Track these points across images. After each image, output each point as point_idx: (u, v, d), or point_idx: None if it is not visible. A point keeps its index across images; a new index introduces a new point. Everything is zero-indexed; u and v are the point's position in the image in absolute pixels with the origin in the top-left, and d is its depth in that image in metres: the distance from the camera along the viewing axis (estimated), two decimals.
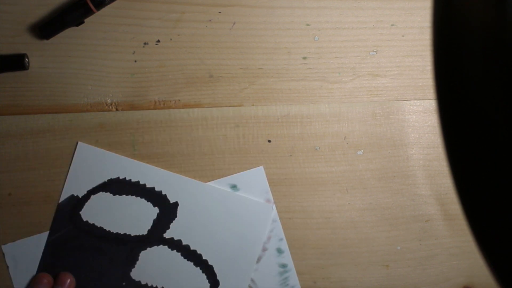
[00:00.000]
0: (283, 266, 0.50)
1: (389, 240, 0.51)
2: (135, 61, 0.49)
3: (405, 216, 0.50)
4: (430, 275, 0.51)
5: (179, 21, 0.49)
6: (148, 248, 0.49)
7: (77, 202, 0.49)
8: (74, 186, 0.49)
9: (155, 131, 0.49)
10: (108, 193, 0.49)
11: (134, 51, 0.49)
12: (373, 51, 0.50)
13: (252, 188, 0.49)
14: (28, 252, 0.48)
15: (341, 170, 0.50)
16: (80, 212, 0.49)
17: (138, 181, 0.49)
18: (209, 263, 0.49)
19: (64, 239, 0.49)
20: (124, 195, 0.49)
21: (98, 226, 0.49)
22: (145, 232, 0.49)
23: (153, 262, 0.49)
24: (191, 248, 0.49)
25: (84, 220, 0.49)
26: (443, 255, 0.51)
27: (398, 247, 0.50)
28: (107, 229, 0.49)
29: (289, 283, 0.50)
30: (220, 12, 0.49)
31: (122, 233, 0.49)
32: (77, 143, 0.48)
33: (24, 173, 0.48)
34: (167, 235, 0.49)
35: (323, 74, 0.50)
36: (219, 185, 0.50)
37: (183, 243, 0.49)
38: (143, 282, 0.49)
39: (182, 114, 0.49)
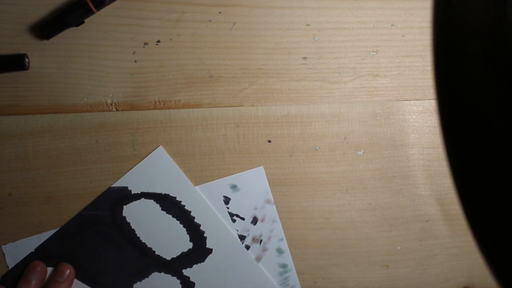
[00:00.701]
0: (283, 266, 0.50)
1: (389, 240, 0.51)
2: (135, 61, 0.49)
3: (405, 216, 0.50)
4: (430, 275, 0.51)
5: (179, 21, 0.49)
6: (163, 273, 0.49)
7: (126, 196, 0.49)
8: (133, 181, 0.49)
9: (155, 131, 0.49)
10: (159, 205, 0.49)
11: (134, 51, 0.49)
12: (373, 51, 0.50)
13: (252, 188, 0.50)
14: (28, 252, 0.48)
15: (341, 170, 0.50)
16: (124, 206, 0.49)
17: (190, 212, 0.49)
18: None
19: (94, 220, 0.48)
20: (171, 216, 0.49)
21: (132, 227, 0.49)
22: (168, 258, 0.49)
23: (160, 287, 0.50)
24: None
25: (123, 215, 0.49)
26: (443, 255, 0.51)
27: (398, 247, 0.50)
28: (138, 235, 0.49)
29: (289, 283, 0.50)
30: (220, 12, 0.49)
31: (148, 246, 0.49)
32: (158, 146, 0.49)
33: (24, 173, 0.48)
34: (186, 272, 0.50)
35: (323, 74, 0.50)
36: (219, 185, 0.50)
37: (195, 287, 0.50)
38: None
39: (182, 114, 0.49)
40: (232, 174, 0.50)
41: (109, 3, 0.47)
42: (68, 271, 0.48)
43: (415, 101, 0.50)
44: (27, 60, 0.47)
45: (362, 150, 0.50)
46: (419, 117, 0.50)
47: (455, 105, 0.19)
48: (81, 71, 0.48)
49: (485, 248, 0.20)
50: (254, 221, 0.50)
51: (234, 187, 0.50)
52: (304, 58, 0.49)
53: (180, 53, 0.49)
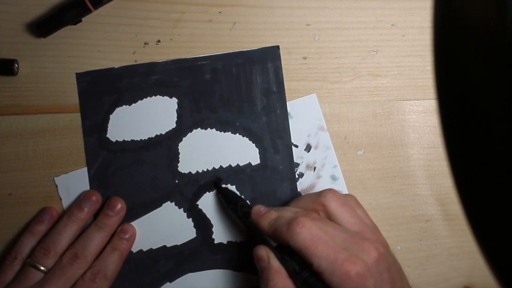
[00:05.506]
0: None
1: (389, 240, 0.50)
2: (135, 61, 0.49)
3: (405, 216, 0.50)
4: (430, 275, 0.51)
5: (179, 21, 0.49)
6: (184, 138, 0.48)
7: (99, 128, 0.48)
8: (90, 115, 0.48)
9: None
10: (124, 105, 0.48)
11: (134, 51, 0.49)
12: (373, 51, 0.50)
13: (305, 115, 0.49)
14: (80, 183, 0.48)
15: (341, 170, 0.50)
16: (107, 136, 0.48)
17: (148, 78, 0.48)
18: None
19: (103, 167, 0.48)
20: (139, 101, 0.48)
21: (129, 140, 0.48)
22: (174, 125, 0.49)
23: (194, 149, 0.49)
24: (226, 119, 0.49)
25: (114, 140, 0.48)
26: (443, 255, 0.51)
27: (398, 247, 0.50)
28: (139, 139, 0.48)
29: None
30: (220, 12, 0.49)
31: (153, 136, 0.48)
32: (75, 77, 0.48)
33: (24, 173, 0.48)
34: (196, 117, 0.49)
35: (323, 74, 0.50)
36: None
37: (217, 116, 0.49)
38: (193, 172, 0.49)
39: None
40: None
41: (106, 2, 0.47)
42: (120, 205, 0.47)
43: (415, 101, 0.50)
44: (16, 65, 0.47)
45: (362, 150, 0.50)
46: (419, 117, 0.50)
47: (455, 105, 0.19)
48: (81, 71, 0.48)
49: (485, 248, 0.20)
50: (308, 148, 0.49)
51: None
52: (304, 58, 0.49)
53: (180, 53, 0.49)
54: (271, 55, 0.49)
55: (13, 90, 0.48)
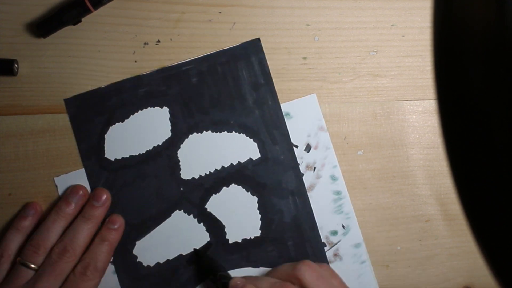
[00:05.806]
0: (337, 193, 0.49)
1: (389, 240, 0.51)
2: (135, 61, 0.49)
3: (405, 216, 0.50)
4: (430, 275, 0.51)
5: (179, 21, 0.49)
6: (181, 145, 0.48)
7: (97, 150, 0.48)
8: (85, 138, 0.48)
9: None
10: (117, 123, 0.48)
11: (134, 51, 0.49)
12: (373, 51, 0.50)
13: (305, 115, 0.49)
14: (80, 183, 0.48)
15: (341, 170, 0.50)
16: (105, 156, 0.48)
17: (136, 92, 0.48)
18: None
19: (107, 187, 0.48)
20: (131, 116, 0.48)
21: (128, 156, 0.48)
22: (170, 134, 0.48)
23: (193, 154, 0.49)
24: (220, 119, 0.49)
25: (113, 159, 0.48)
26: (443, 255, 0.51)
27: (398, 247, 0.50)
28: (137, 154, 0.48)
29: (343, 210, 0.50)
30: (220, 12, 0.49)
31: (151, 148, 0.48)
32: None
33: (24, 173, 0.48)
34: (190, 122, 0.49)
35: (323, 74, 0.50)
36: None
37: (210, 117, 0.49)
38: (196, 176, 0.49)
39: None
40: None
41: (106, 2, 0.47)
42: (105, 196, 0.47)
43: (415, 101, 0.50)
44: (16, 66, 0.47)
45: (362, 150, 0.50)
46: (419, 117, 0.50)
47: (455, 105, 0.19)
48: (81, 71, 0.49)
49: (485, 248, 0.20)
50: (308, 148, 0.49)
51: (287, 114, 0.49)
52: (304, 58, 0.49)
53: (180, 53, 0.49)
54: (253, 48, 0.49)
55: (13, 90, 0.48)
